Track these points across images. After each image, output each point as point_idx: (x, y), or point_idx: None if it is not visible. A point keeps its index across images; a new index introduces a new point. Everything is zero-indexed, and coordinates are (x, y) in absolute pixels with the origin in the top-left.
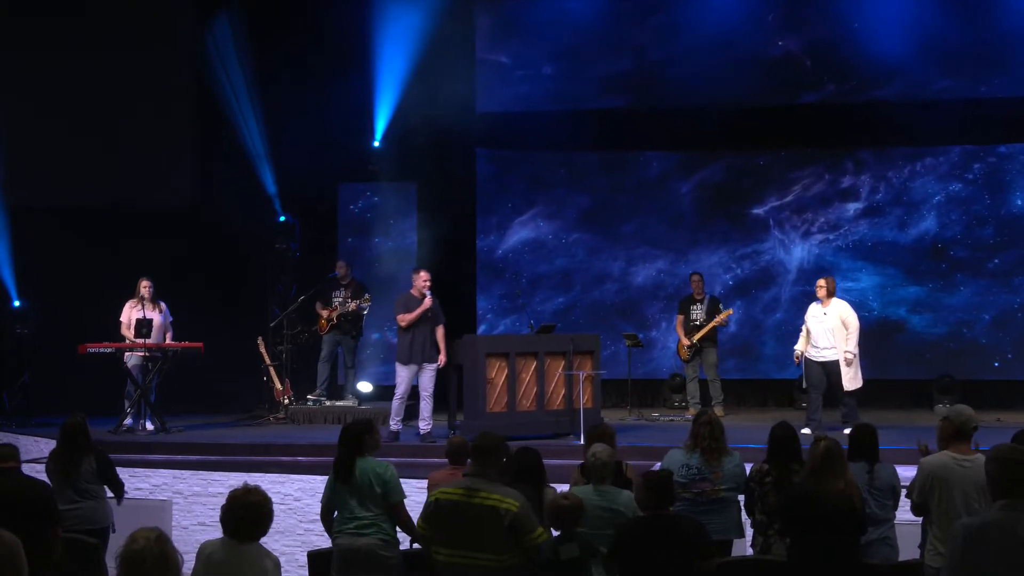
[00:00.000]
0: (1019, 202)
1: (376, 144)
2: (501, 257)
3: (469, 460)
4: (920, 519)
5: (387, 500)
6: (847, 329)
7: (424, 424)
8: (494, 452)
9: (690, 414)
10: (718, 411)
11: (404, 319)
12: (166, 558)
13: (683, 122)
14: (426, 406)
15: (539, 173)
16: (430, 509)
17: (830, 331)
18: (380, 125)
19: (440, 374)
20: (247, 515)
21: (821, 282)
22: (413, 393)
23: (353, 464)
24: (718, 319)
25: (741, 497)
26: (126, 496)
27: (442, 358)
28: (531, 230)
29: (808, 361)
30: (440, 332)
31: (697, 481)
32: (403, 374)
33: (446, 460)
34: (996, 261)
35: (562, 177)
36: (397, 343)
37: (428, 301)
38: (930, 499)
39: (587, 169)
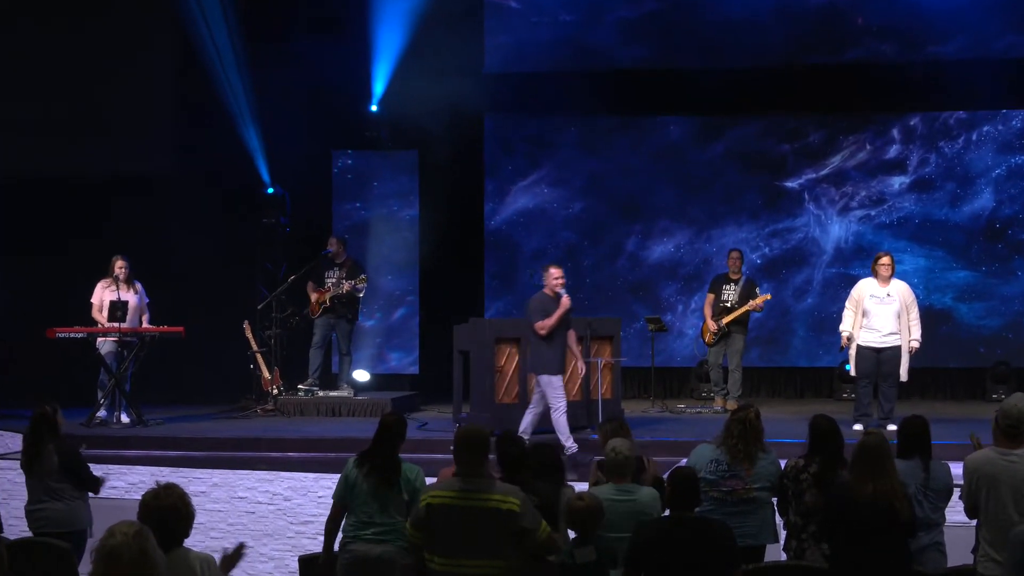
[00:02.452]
0: None
1: (374, 108)
2: (502, 230)
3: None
4: (974, 521)
5: (412, 507)
6: (909, 313)
7: (571, 441)
8: (484, 446)
9: (727, 405)
10: (731, 405)
11: (545, 326)
12: (146, 556)
13: (709, 81)
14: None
15: (552, 138)
16: (421, 515)
17: (895, 315)
18: (378, 87)
19: (443, 360)
20: (162, 521)
21: (887, 259)
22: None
23: (397, 463)
24: (753, 303)
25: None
26: (96, 496)
27: (580, 366)
28: (536, 198)
29: (860, 347)
30: (573, 336)
31: (727, 479)
32: (559, 383)
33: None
34: None
35: (575, 142)
36: (538, 352)
37: (566, 300)
38: (977, 499)
39: (603, 134)
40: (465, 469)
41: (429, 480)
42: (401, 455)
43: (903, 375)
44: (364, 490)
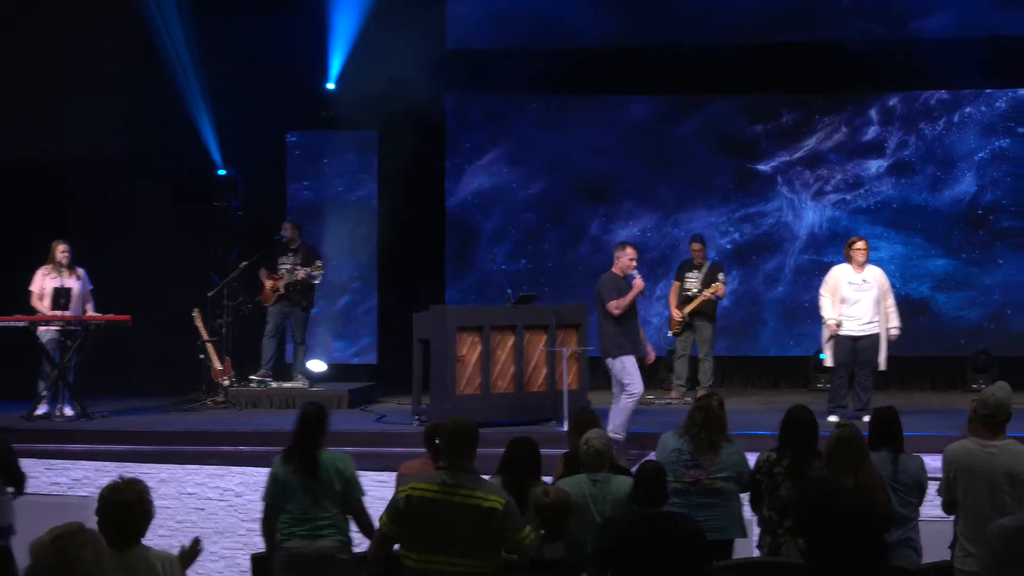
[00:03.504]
0: None
1: (330, 86)
2: (462, 212)
3: (442, 449)
4: (952, 517)
5: (347, 498)
6: (887, 300)
7: (623, 433)
8: (473, 439)
9: (673, 396)
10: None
11: (620, 306)
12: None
13: (679, 58)
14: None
15: (515, 116)
16: (400, 506)
17: (874, 302)
18: (335, 64)
19: (402, 349)
20: (120, 517)
21: (862, 243)
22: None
23: (317, 455)
24: (708, 291)
25: (744, 495)
26: (38, 493)
27: (651, 353)
28: (496, 177)
29: (837, 336)
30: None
31: (690, 468)
32: (633, 365)
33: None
34: None
35: (539, 120)
36: (609, 334)
37: (639, 282)
38: (955, 492)
39: (568, 112)
40: (452, 462)
41: (376, 475)
42: (360, 448)
43: (882, 364)
44: (294, 486)
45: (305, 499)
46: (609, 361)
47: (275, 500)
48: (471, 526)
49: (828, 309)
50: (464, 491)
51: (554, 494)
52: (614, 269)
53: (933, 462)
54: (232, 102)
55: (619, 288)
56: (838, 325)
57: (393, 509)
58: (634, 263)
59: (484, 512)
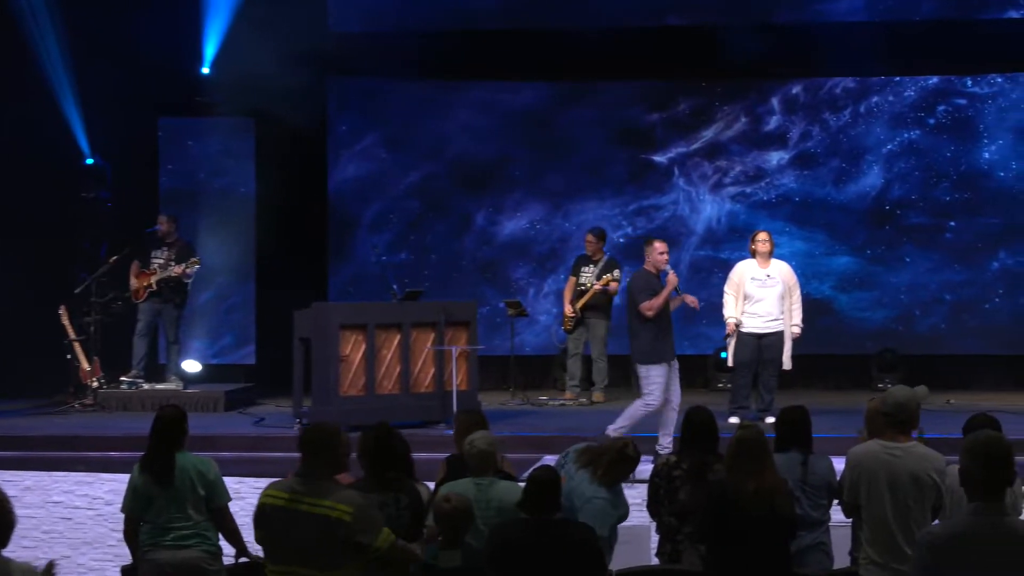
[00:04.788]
0: (986, 155)
1: (205, 71)
2: (343, 202)
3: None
4: (851, 521)
5: (211, 504)
6: (791, 296)
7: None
8: (326, 445)
9: (568, 397)
10: (598, 397)
11: (652, 307)
12: None
13: (570, 41)
14: (674, 418)
15: (401, 102)
16: (256, 513)
17: (779, 298)
18: (210, 48)
19: (282, 349)
20: None
21: (764, 235)
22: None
23: (172, 460)
24: (598, 284)
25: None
26: None
27: (691, 300)
28: (380, 164)
29: (741, 334)
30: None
31: None
32: (659, 376)
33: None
34: (953, 225)
35: (425, 105)
36: (644, 339)
37: (673, 277)
38: (857, 495)
39: (453, 96)
40: (303, 469)
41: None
42: (237, 453)
43: (786, 363)
44: (155, 494)
45: (167, 507)
46: (640, 366)
47: (134, 511)
48: (321, 536)
49: (730, 307)
50: (311, 499)
51: (455, 501)
52: (646, 266)
53: (837, 464)
54: (101, 87)
55: (652, 287)
56: (737, 325)
57: (255, 516)
58: (664, 256)
59: (331, 522)
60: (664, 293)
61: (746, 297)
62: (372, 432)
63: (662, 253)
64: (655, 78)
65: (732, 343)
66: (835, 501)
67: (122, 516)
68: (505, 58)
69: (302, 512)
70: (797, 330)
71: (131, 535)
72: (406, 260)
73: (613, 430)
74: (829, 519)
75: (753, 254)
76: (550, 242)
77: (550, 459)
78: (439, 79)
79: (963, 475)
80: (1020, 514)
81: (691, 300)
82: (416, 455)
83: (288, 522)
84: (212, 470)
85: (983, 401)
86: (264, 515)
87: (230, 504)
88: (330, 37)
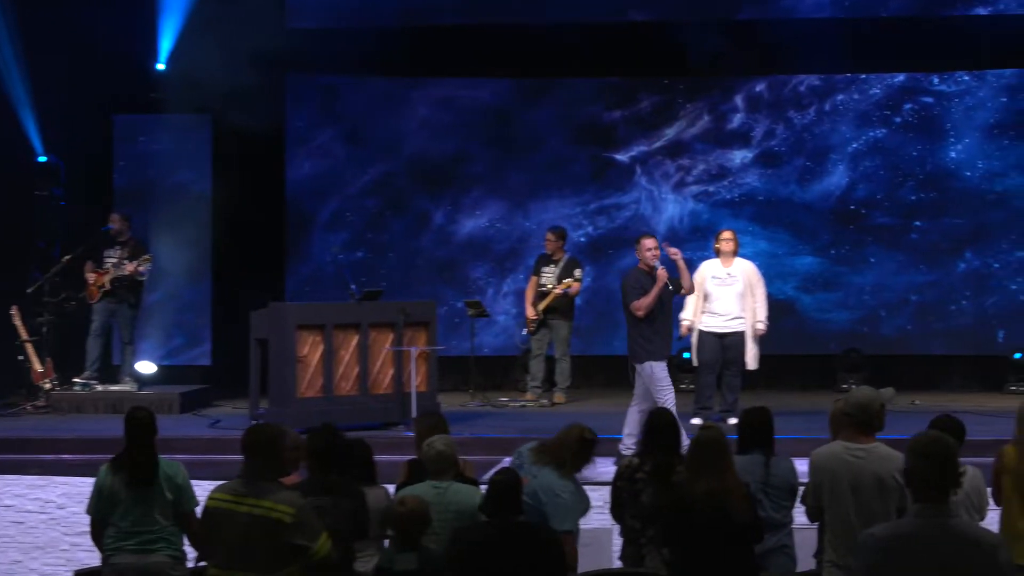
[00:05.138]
0: (953, 154)
1: (160, 67)
2: (301, 200)
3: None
4: (816, 525)
5: (179, 508)
6: (754, 294)
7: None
8: (267, 446)
9: (529, 398)
10: (559, 398)
11: (642, 306)
12: None
13: (530, 37)
14: (640, 419)
15: (360, 99)
16: (203, 517)
17: (739, 296)
18: (165, 43)
19: (238, 350)
20: None
21: (728, 233)
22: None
23: (154, 463)
24: (559, 287)
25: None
26: None
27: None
28: (332, 160)
29: (702, 333)
30: (683, 277)
31: None
32: (663, 370)
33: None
34: (919, 225)
35: (384, 103)
36: (638, 338)
37: (662, 272)
38: (820, 497)
39: (412, 93)
40: (245, 470)
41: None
42: (193, 456)
43: (750, 362)
44: (123, 498)
45: (135, 510)
46: (637, 366)
47: (100, 512)
48: (262, 537)
49: (687, 309)
50: (252, 500)
51: (411, 503)
52: (639, 265)
53: (801, 466)
54: (54, 83)
55: (643, 285)
56: (689, 328)
57: (202, 519)
58: (652, 253)
59: (272, 523)
60: (654, 292)
61: (706, 296)
62: (316, 433)
63: (650, 249)
64: (617, 75)
65: (694, 343)
66: (797, 503)
67: (74, 520)
68: (464, 54)
69: (244, 513)
70: (761, 327)
71: (98, 538)
72: (363, 259)
73: (627, 448)
74: (792, 521)
75: (717, 253)
76: (510, 241)
77: (509, 461)
78: (397, 75)
79: (907, 475)
80: (983, 512)
81: (673, 252)
82: (374, 457)
83: (231, 524)
84: (181, 474)
85: (949, 402)
86: (209, 517)
87: None
88: (287, 33)
